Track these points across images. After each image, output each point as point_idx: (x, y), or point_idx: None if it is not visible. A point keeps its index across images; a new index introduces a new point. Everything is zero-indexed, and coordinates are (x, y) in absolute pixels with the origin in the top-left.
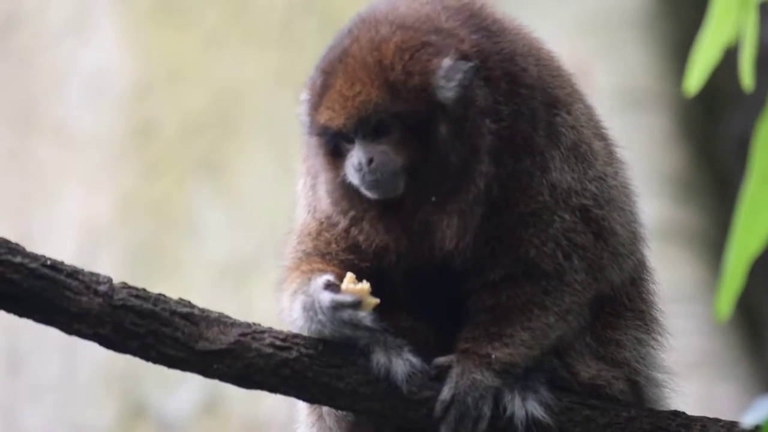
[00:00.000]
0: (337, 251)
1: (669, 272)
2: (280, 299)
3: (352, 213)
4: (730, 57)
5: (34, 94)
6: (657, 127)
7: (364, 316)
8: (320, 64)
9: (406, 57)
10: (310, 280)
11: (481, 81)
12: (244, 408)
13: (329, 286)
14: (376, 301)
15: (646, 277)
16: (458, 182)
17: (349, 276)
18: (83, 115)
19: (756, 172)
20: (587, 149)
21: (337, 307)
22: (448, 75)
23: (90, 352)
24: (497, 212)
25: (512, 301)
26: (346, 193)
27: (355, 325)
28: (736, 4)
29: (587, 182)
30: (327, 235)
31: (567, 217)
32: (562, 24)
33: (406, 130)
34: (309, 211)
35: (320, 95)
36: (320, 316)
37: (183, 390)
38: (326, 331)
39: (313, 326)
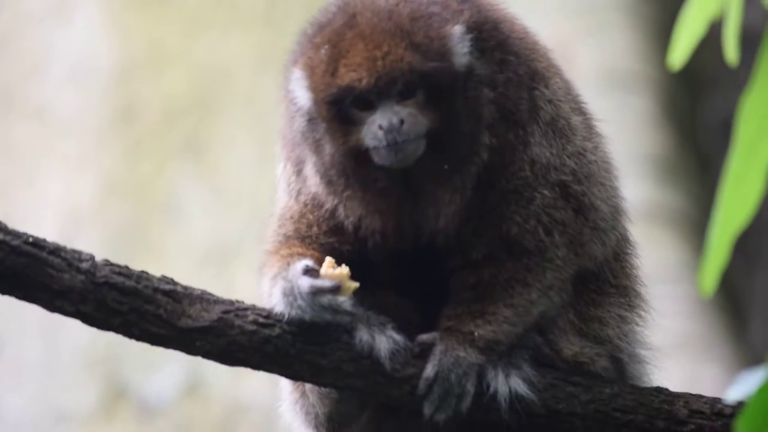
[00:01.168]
0: (318, 234)
1: (652, 253)
2: (260, 283)
3: (347, 192)
4: (713, 38)
5: (16, 76)
6: (640, 109)
7: (344, 301)
8: (316, 39)
9: (422, 24)
10: (289, 264)
11: (478, 52)
12: (226, 391)
13: (308, 271)
14: (355, 285)
15: (629, 251)
16: (465, 153)
17: (328, 260)
18: (65, 98)
19: (740, 146)
20: (565, 124)
21: (316, 292)
22: (460, 41)
23: (71, 334)
24: (481, 190)
25: (494, 279)
26: (349, 166)
27: (335, 309)
28: None
29: (566, 158)
30: (310, 217)
31: (547, 193)
32: (547, 6)
33: (430, 94)
34: (291, 195)
35: (331, 62)
36: (299, 302)
37: (164, 372)
38: (306, 317)
39: (293, 312)
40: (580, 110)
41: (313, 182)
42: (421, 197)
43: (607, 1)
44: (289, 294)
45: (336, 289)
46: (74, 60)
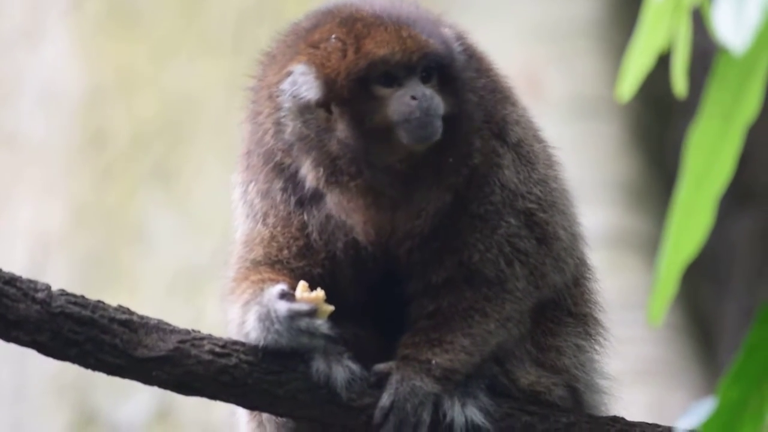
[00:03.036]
0: (289, 258)
1: (620, 279)
2: (228, 310)
3: (354, 182)
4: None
5: None
6: (609, 135)
7: (321, 324)
8: (313, 36)
9: (421, 22)
10: (262, 290)
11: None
12: (197, 415)
13: (284, 296)
14: (331, 308)
15: (588, 276)
16: (463, 152)
17: (302, 284)
18: (35, 124)
19: (689, 177)
20: (530, 150)
21: (293, 316)
22: (454, 42)
23: (40, 360)
24: (454, 210)
25: (453, 308)
26: (366, 148)
27: (312, 333)
28: (669, 9)
29: (532, 185)
30: (280, 239)
31: (512, 221)
32: (515, 32)
33: (443, 81)
34: (257, 219)
35: (350, 44)
36: (276, 326)
37: (135, 398)
38: (283, 341)
39: (270, 336)
40: (539, 138)
41: (312, 179)
42: (415, 190)
43: (575, 27)
44: (265, 319)
45: (313, 313)
46: (43, 86)
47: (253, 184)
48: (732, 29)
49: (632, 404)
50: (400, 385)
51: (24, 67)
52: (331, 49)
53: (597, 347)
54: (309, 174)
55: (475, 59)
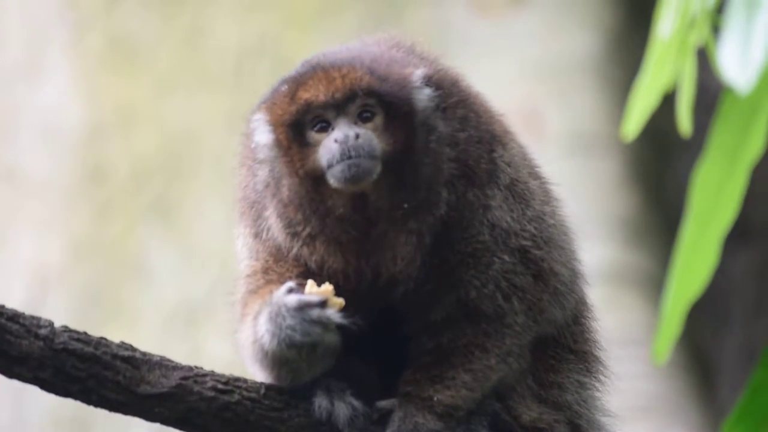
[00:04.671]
0: (291, 278)
1: (619, 315)
2: (239, 334)
3: (307, 229)
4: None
5: None
6: (608, 171)
7: (333, 313)
8: (274, 93)
9: (383, 66)
10: (271, 293)
11: (440, 111)
12: None
13: (292, 291)
14: (341, 301)
15: (588, 315)
16: (423, 200)
17: (310, 282)
18: (34, 159)
19: (694, 217)
20: (524, 188)
21: (303, 307)
22: (420, 84)
23: (40, 394)
24: (439, 250)
25: (453, 344)
26: (306, 195)
27: (325, 324)
28: (674, 49)
29: (526, 222)
30: (276, 269)
31: (506, 258)
32: (514, 69)
33: (388, 119)
34: (252, 257)
35: (290, 92)
36: (288, 321)
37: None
38: (297, 336)
39: (283, 334)
40: (536, 174)
41: (276, 228)
42: (376, 235)
43: (574, 64)
44: (277, 316)
45: (324, 303)
46: (43, 120)
47: (246, 228)
48: (737, 68)
49: None
50: (403, 422)
51: (24, 102)
52: (279, 97)
53: (598, 384)
54: (273, 224)
55: (460, 106)
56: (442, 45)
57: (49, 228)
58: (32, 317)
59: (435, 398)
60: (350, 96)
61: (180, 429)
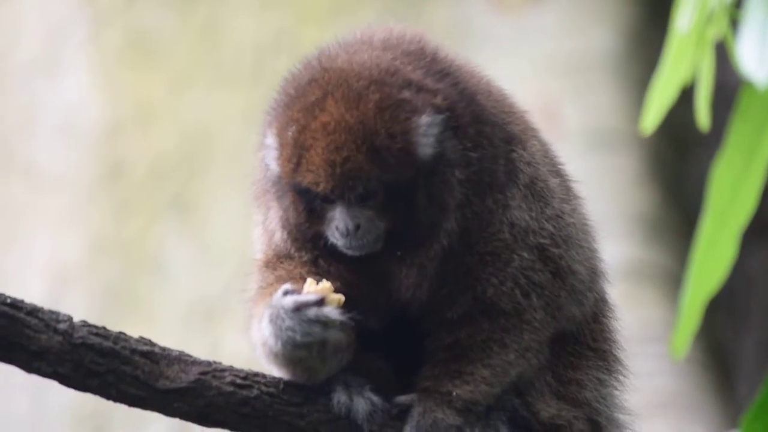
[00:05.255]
0: (302, 273)
1: (638, 312)
2: (251, 334)
3: (307, 255)
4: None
5: (4, 133)
6: (626, 168)
7: (330, 311)
8: (287, 111)
9: (387, 117)
10: (271, 296)
11: (450, 132)
12: None
13: (288, 292)
14: (340, 297)
15: (608, 314)
16: (424, 239)
17: (309, 281)
18: (53, 155)
19: (712, 211)
20: (544, 186)
21: (300, 307)
22: (426, 132)
23: (59, 390)
24: (455, 254)
25: (471, 339)
26: (309, 230)
27: (324, 322)
28: (692, 43)
29: (544, 221)
30: (285, 265)
31: (526, 255)
32: (533, 66)
33: (390, 196)
34: (262, 247)
35: (296, 150)
36: (287, 323)
37: (152, 428)
38: (297, 337)
39: (284, 335)
40: (558, 172)
41: (279, 237)
42: (379, 272)
43: (592, 60)
44: (276, 318)
45: (320, 301)
46: (61, 117)
47: (259, 216)
48: (756, 62)
49: None
50: (422, 417)
51: (42, 98)
52: (286, 141)
53: (617, 382)
54: (275, 228)
55: (474, 123)
56: (461, 42)
57: (67, 225)
58: (51, 312)
59: (454, 393)
60: (350, 187)
61: (199, 424)
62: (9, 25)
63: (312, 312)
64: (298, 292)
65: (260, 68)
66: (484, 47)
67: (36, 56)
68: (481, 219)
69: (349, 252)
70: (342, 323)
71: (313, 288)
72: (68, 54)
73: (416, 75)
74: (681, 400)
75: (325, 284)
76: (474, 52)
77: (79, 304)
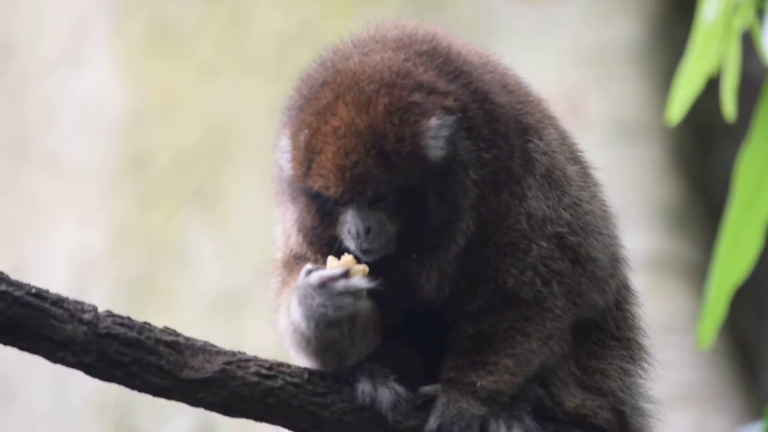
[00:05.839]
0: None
1: (661, 303)
2: (279, 327)
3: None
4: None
5: (27, 124)
6: (650, 159)
7: (358, 280)
8: (300, 114)
9: (396, 121)
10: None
11: (463, 132)
12: None
13: (312, 270)
14: (364, 267)
15: (631, 301)
16: (439, 241)
17: (331, 258)
18: (76, 146)
19: (738, 201)
20: (561, 175)
21: (327, 282)
22: (436, 134)
23: (82, 382)
24: (474, 247)
25: (494, 329)
26: (328, 244)
27: (353, 292)
28: (719, 33)
29: (561, 209)
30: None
31: (544, 244)
32: (555, 56)
33: (401, 198)
34: (281, 244)
35: (307, 154)
36: (317, 300)
37: (175, 419)
38: (329, 312)
39: (315, 313)
40: (576, 159)
41: (294, 240)
42: (398, 275)
43: (616, 51)
44: (305, 297)
45: (346, 273)
46: (86, 108)
47: (278, 214)
48: None
49: (673, 428)
50: (447, 408)
51: (66, 89)
52: (299, 145)
53: (641, 371)
54: (291, 236)
55: (487, 123)
56: (484, 33)
57: (91, 215)
58: (76, 302)
59: (478, 384)
60: (360, 192)
61: (223, 414)
62: (33, 17)
63: (340, 284)
64: (322, 268)
65: (284, 59)
66: (507, 39)
67: (60, 47)
68: (498, 213)
69: (363, 256)
70: (370, 291)
71: (336, 263)
72: (92, 45)
73: (428, 76)
74: (704, 391)
75: (347, 257)
76: (497, 44)
77: (102, 295)
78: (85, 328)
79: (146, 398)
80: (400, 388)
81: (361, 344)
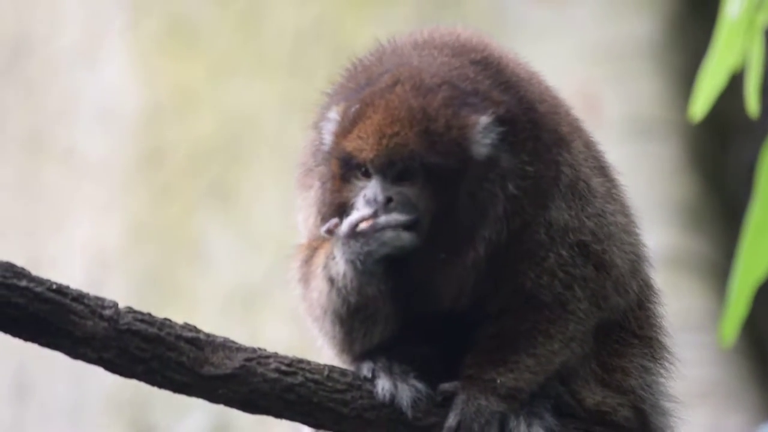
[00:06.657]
0: None
1: (678, 301)
2: (310, 294)
3: None
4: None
5: (45, 119)
6: (667, 156)
7: (394, 214)
8: (357, 95)
9: (450, 112)
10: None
11: (508, 146)
12: None
13: (343, 221)
14: None
15: (653, 300)
16: (460, 244)
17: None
18: (93, 141)
19: (761, 198)
20: (585, 186)
21: (356, 224)
22: (484, 131)
23: (99, 377)
24: (493, 253)
25: (516, 329)
26: (338, 211)
27: (393, 226)
28: (742, 29)
29: (585, 219)
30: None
31: (563, 252)
32: (573, 53)
33: (429, 182)
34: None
35: (353, 122)
36: (360, 239)
37: (192, 415)
38: (375, 247)
39: (363, 253)
40: (601, 169)
41: (312, 222)
42: (418, 279)
43: (632, 48)
44: (348, 242)
45: (375, 213)
46: (102, 104)
47: (301, 195)
48: None
49: (690, 426)
50: (466, 404)
51: (82, 85)
52: (346, 117)
53: (663, 370)
54: (311, 214)
55: (533, 138)
56: (500, 30)
57: (107, 211)
58: (97, 298)
59: (498, 381)
60: (391, 161)
61: (243, 410)
62: (51, 13)
63: (382, 220)
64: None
65: (299, 55)
66: (523, 35)
67: (76, 43)
68: (521, 223)
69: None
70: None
71: None
72: (108, 41)
73: (484, 85)
74: (721, 389)
75: None
76: (513, 41)
77: (118, 290)
78: (105, 324)
79: (162, 394)
80: (420, 385)
81: (389, 315)
